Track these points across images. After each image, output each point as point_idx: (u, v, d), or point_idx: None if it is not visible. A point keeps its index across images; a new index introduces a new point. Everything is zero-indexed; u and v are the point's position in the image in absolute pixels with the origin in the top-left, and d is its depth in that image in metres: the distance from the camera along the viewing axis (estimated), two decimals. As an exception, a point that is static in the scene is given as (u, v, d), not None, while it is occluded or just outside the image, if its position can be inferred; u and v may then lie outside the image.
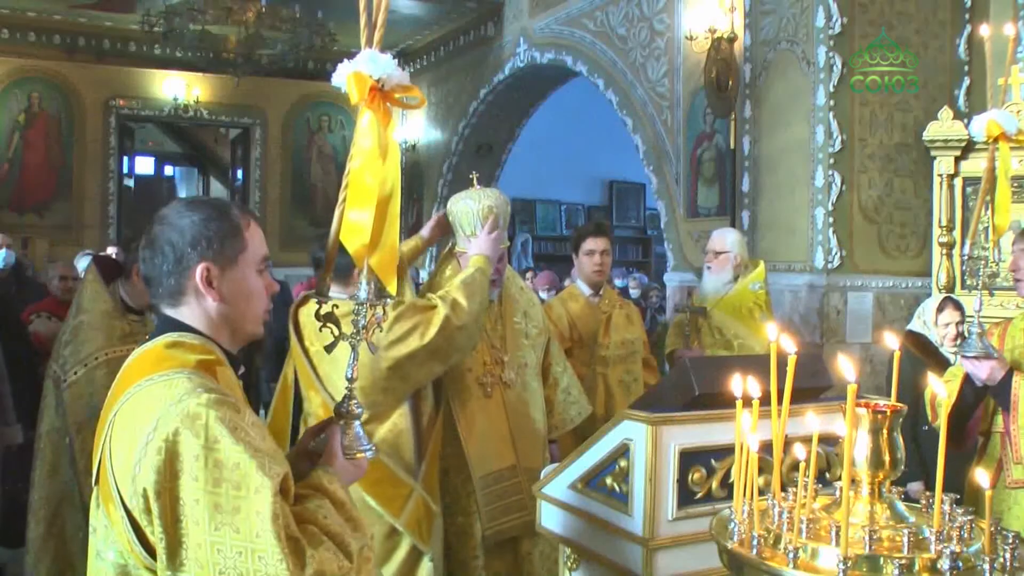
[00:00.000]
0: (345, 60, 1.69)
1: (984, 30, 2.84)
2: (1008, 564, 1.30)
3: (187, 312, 1.68)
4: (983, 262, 2.85)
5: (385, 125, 1.73)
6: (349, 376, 1.75)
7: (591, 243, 4.32)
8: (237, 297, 1.70)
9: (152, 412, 1.51)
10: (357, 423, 1.75)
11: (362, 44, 1.72)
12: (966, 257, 2.83)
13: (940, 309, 4.41)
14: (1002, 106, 5.31)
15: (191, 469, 1.46)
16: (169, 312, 1.70)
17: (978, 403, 3.13)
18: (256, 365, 5.64)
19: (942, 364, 4.33)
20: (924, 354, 4.32)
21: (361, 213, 1.69)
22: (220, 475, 1.45)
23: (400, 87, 1.73)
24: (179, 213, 1.69)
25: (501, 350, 3.49)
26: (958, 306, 4.47)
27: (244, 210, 1.78)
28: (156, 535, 1.48)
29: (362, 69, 1.68)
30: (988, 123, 2.75)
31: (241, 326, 1.73)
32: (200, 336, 1.68)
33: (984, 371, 3.00)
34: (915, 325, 4.56)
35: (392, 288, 1.76)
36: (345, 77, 1.69)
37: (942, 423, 1.32)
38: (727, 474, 2.23)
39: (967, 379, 3.07)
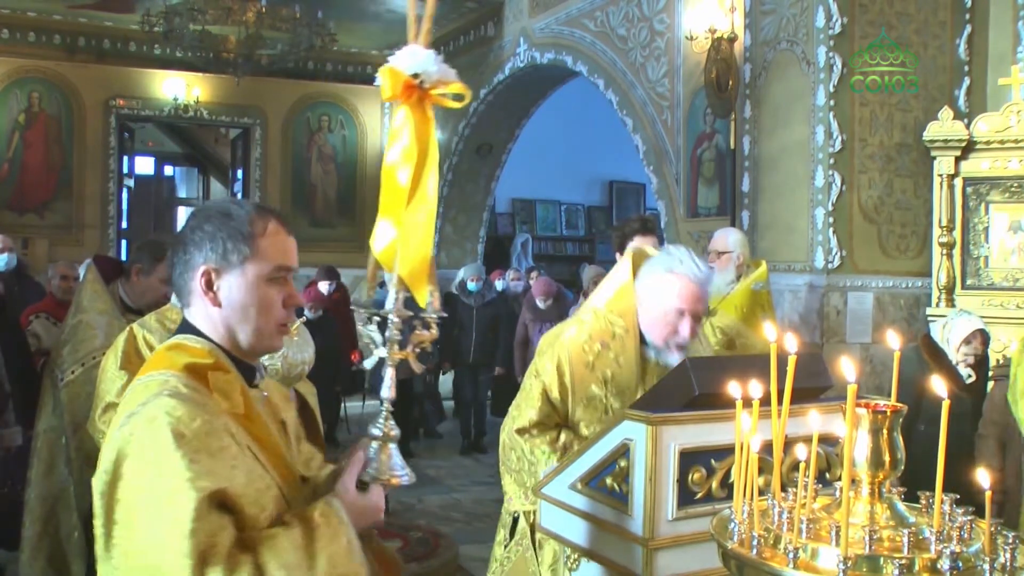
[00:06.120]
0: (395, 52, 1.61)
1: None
2: (1008, 564, 1.30)
3: (195, 314, 1.68)
4: None
5: (421, 123, 1.63)
6: (386, 396, 1.66)
7: (639, 242, 3.74)
8: (236, 304, 1.64)
9: (126, 410, 1.52)
10: (393, 446, 1.65)
11: (409, 38, 1.63)
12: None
13: (968, 340, 4.37)
14: (1003, 106, 5.33)
15: (131, 471, 1.45)
16: (184, 313, 1.71)
17: None
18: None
19: (954, 380, 4.28)
20: (937, 365, 4.26)
21: (392, 217, 1.60)
22: (153, 482, 1.43)
23: (441, 82, 1.63)
24: (200, 215, 1.69)
25: None
26: (986, 340, 4.44)
27: (266, 216, 1.69)
28: (98, 531, 1.48)
29: (397, 64, 1.61)
30: None
31: (246, 335, 1.66)
32: (204, 340, 1.66)
33: None
34: (936, 335, 4.52)
35: (422, 300, 1.63)
36: (379, 71, 1.61)
37: (943, 423, 1.32)
38: (727, 474, 2.22)
39: None
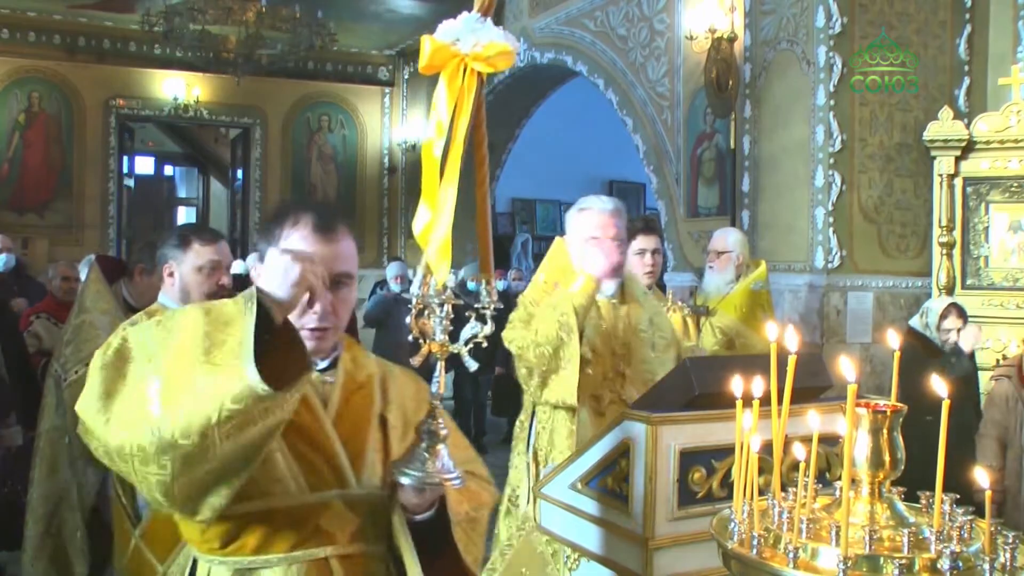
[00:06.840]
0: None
1: None
2: (1008, 564, 1.30)
3: None
4: None
5: (455, 94, 1.53)
6: (435, 391, 1.55)
7: (641, 242, 3.77)
8: None
9: None
10: (443, 446, 1.54)
11: (475, 6, 1.53)
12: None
13: (944, 315, 4.47)
14: (1003, 106, 5.33)
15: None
16: None
17: None
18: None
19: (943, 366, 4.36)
20: (926, 354, 4.37)
21: (429, 197, 1.54)
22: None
23: (480, 44, 1.53)
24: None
25: (623, 360, 3.03)
26: (962, 313, 4.52)
27: (298, 218, 1.66)
28: None
29: (438, 33, 1.51)
30: None
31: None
32: None
33: None
34: (916, 324, 4.60)
35: (440, 280, 1.52)
36: (421, 41, 1.52)
37: (943, 423, 1.32)
38: (727, 474, 2.22)
39: None
